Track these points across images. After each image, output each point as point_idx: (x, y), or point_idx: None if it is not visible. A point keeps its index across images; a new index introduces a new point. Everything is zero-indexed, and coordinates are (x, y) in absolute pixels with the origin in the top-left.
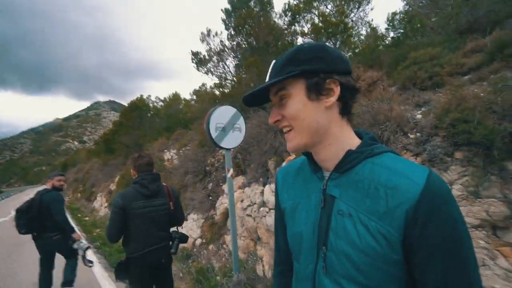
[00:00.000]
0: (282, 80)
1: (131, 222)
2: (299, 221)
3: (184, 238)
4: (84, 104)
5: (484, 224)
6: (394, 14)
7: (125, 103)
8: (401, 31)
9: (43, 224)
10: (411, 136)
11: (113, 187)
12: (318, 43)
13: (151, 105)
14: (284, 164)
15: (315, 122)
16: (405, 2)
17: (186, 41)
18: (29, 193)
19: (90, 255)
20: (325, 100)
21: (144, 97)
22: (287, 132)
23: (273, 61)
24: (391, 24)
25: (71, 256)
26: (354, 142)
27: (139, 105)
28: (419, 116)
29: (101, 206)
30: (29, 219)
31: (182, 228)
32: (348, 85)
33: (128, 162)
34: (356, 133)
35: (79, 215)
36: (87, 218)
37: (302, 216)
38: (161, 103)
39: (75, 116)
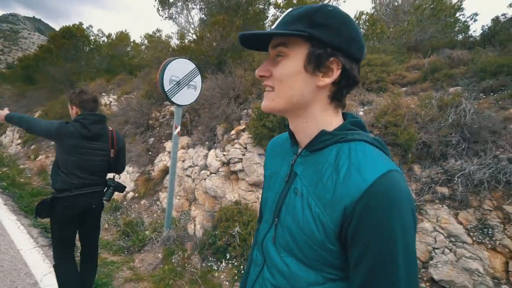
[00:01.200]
0: (283, 35)
1: (64, 155)
2: (269, 187)
3: (120, 187)
4: None
5: None
6: (362, 13)
7: (56, 27)
8: (364, 32)
9: None
10: None
11: None
12: (344, 13)
13: (92, 38)
14: None
15: (300, 96)
16: (373, 4)
17: None
18: None
19: None
20: (320, 77)
21: (84, 26)
22: (267, 91)
23: (289, 9)
24: (357, 21)
25: None
26: (332, 124)
27: (76, 33)
28: (361, 113)
29: (11, 142)
30: None
31: (119, 177)
32: (350, 72)
33: (67, 96)
34: (343, 115)
35: None
36: None
37: (272, 184)
38: (104, 39)
39: None
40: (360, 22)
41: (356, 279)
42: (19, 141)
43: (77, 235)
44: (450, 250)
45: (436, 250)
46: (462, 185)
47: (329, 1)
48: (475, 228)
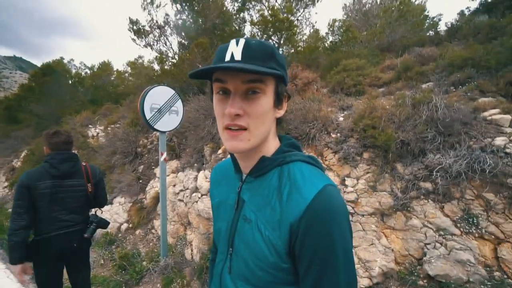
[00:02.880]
0: (272, 75)
1: (37, 203)
2: (220, 217)
3: (103, 223)
4: None
5: (376, 212)
6: (335, 21)
7: (38, 63)
8: (339, 37)
9: None
10: (333, 135)
11: (18, 163)
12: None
13: (74, 71)
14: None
15: (268, 129)
16: (344, 12)
17: (123, 2)
18: None
19: None
20: (277, 111)
21: (65, 60)
22: (236, 131)
23: (242, 40)
24: (331, 29)
25: None
26: (272, 148)
27: (56, 69)
28: (341, 119)
29: None
30: None
31: (101, 212)
32: (288, 100)
33: (42, 138)
34: (278, 137)
35: None
36: None
37: (222, 213)
38: (87, 71)
39: None
40: (334, 29)
41: (306, 284)
42: (5, 183)
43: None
44: (441, 244)
45: (428, 246)
46: (442, 178)
47: (301, 14)
48: (461, 219)
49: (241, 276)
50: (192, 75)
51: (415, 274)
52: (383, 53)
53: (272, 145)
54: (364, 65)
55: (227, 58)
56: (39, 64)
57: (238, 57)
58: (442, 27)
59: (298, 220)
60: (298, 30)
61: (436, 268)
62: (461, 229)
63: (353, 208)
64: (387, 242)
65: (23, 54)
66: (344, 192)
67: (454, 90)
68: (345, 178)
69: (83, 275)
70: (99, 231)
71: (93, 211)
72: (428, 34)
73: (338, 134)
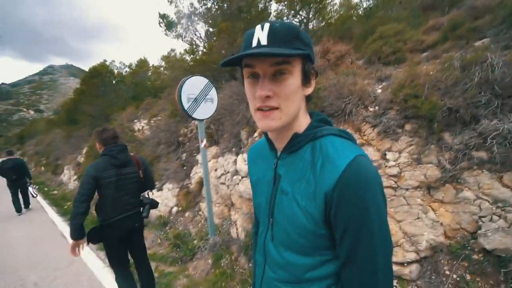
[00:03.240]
0: (299, 55)
1: (104, 191)
2: (259, 193)
3: (154, 203)
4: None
5: (421, 185)
6: None
7: (85, 68)
8: (373, 2)
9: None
10: (371, 109)
11: (81, 159)
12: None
13: (115, 71)
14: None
15: (298, 107)
16: None
17: (152, 1)
18: None
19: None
20: (306, 89)
21: (108, 62)
22: (268, 111)
23: (267, 24)
24: None
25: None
26: (303, 125)
27: (102, 71)
28: (379, 91)
29: (69, 179)
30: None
31: (153, 194)
32: (316, 77)
33: (93, 136)
34: (309, 114)
35: (45, 189)
36: (55, 192)
37: (261, 189)
38: (126, 69)
39: (27, 81)
40: None
41: (342, 253)
42: (75, 177)
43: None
44: (499, 216)
45: (483, 219)
46: (500, 146)
47: None
48: None
49: (283, 243)
50: (223, 64)
51: (469, 248)
52: (427, 13)
53: (303, 122)
54: (404, 29)
55: (254, 43)
56: (87, 69)
57: (264, 41)
58: None
59: (332, 190)
60: (328, 1)
61: (494, 242)
62: None
63: (395, 182)
64: (435, 216)
65: (74, 62)
66: (386, 166)
67: None
68: (386, 152)
69: (142, 251)
70: (154, 215)
71: (145, 194)
72: None
73: (377, 107)
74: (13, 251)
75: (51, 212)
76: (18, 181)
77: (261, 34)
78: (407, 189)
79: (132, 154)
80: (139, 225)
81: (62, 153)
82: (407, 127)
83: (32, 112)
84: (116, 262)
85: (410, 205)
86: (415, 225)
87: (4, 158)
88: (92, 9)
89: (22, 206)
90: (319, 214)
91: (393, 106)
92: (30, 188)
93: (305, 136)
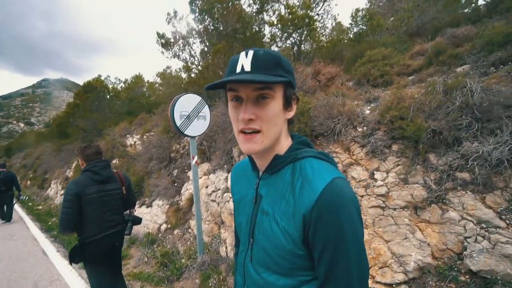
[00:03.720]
0: (280, 82)
1: (86, 208)
2: (241, 212)
3: (137, 220)
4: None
5: (408, 205)
6: (357, 10)
7: (80, 82)
8: (363, 27)
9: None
10: (359, 129)
11: (70, 173)
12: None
13: (110, 86)
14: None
15: (280, 130)
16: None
17: (151, 19)
18: None
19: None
20: (287, 112)
21: (103, 77)
22: (250, 134)
23: (250, 52)
24: (354, 19)
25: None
26: (284, 147)
27: (96, 86)
28: (367, 112)
29: (56, 193)
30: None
31: (135, 210)
32: (297, 102)
33: (76, 152)
34: (290, 136)
35: (29, 203)
36: (40, 207)
37: (242, 208)
38: (121, 85)
39: (19, 94)
40: (357, 19)
41: (320, 273)
42: (62, 191)
43: None
44: (483, 237)
45: (468, 239)
46: (481, 167)
47: (321, 8)
48: (506, 210)
49: (263, 263)
50: (208, 88)
51: (455, 269)
52: (412, 39)
53: (285, 144)
54: (391, 53)
55: (238, 69)
56: (81, 82)
57: (247, 68)
58: (480, 1)
59: (310, 211)
60: (319, 25)
61: (479, 263)
62: (507, 221)
63: (383, 202)
64: (422, 236)
65: (69, 76)
66: (374, 186)
67: (494, 71)
68: (374, 172)
69: (119, 270)
70: (142, 232)
71: (127, 211)
72: (464, 10)
73: (365, 128)
74: None
75: (34, 228)
76: (6, 193)
77: (245, 61)
78: (395, 209)
79: (115, 170)
80: (119, 243)
81: (51, 167)
82: (394, 147)
83: (22, 125)
84: (101, 282)
85: (398, 225)
86: (403, 245)
87: None
88: (92, 24)
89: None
90: (298, 234)
91: (381, 127)
92: (21, 197)
93: (286, 158)
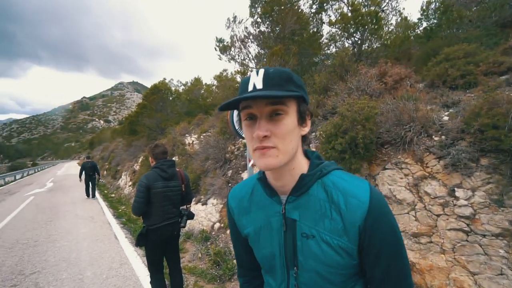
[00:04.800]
0: (292, 96)
1: (153, 199)
2: (265, 243)
3: (191, 215)
4: (110, 83)
5: (505, 233)
6: (429, 2)
7: (148, 84)
8: (435, 21)
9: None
10: (436, 138)
11: (137, 167)
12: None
13: (173, 88)
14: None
15: (296, 147)
16: None
17: (212, 24)
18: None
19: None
20: (302, 128)
21: (167, 80)
22: (266, 149)
23: (261, 70)
24: (424, 13)
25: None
26: (305, 163)
27: (161, 88)
28: (445, 118)
29: (125, 184)
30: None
31: (190, 206)
32: (311, 118)
33: (146, 150)
34: (304, 153)
35: (105, 191)
36: (113, 195)
37: (266, 239)
38: (182, 87)
39: (101, 95)
40: (429, 12)
41: (376, 274)
42: (130, 183)
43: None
44: None
45: None
46: None
47: (386, 3)
48: None
49: (315, 286)
50: (221, 108)
51: None
52: (505, 30)
53: (303, 162)
54: (475, 50)
55: (250, 88)
56: (149, 86)
57: (259, 85)
58: None
59: (364, 221)
60: (383, 22)
61: None
62: None
63: (468, 225)
64: None
65: (139, 79)
66: (455, 205)
67: None
68: (455, 188)
69: (176, 256)
70: (197, 228)
71: (184, 206)
72: None
73: (443, 137)
74: (78, 245)
75: (108, 214)
76: (92, 176)
77: (256, 79)
78: (484, 235)
79: (178, 169)
80: (177, 232)
81: (122, 160)
82: (484, 161)
83: (102, 122)
84: (154, 265)
85: (489, 256)
86: (497, 282)
87: (85, 160)
88: (158, 31)
89: (90, 195)
90: (354, 246)
91: (465, 137)
92: (101, 180)
93: (312, 175)
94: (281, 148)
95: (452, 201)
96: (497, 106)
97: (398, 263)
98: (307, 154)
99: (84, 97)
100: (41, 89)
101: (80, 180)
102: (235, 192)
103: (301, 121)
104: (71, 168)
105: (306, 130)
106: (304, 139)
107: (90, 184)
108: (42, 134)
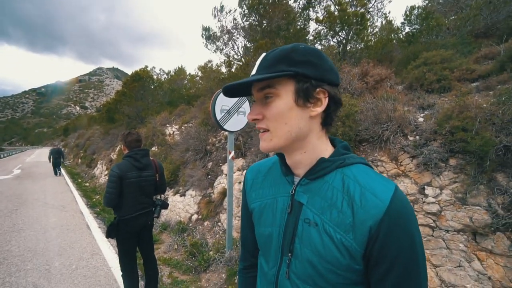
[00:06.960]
0: (272, 78)
1: (125, 190)
2: (266, 222)
3: (165, 204)
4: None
5: (466, 229)
6: (412, 8)
7: (129, 71)
8: (417, 27)
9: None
10: (410, 138)
11: (114, 156)
12: (314, 47)
13: (155, 77)
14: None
15: (297, 129)
16: None
17: (197, 12)
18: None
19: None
20: (311, 108)
21: (149, 68)
22: (262, 132)
23: (263, 54)
24: (408, 18)
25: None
26: (327, 150)
27: (143, 76)
28: (420, 119)
29: (101, 173)
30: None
31: (164, 196)
32: (335, 97)
33: (119, 138)
34: (330, 140)
35: (79, 180)
36: (87, 184)
37: (268, 217)
38: (165, 76)
39: (78, 80)
40: (411, 18)
41: (387, 285)
42: (106, 172)
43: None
44: None
45: None
46: None
47: (372, 5)
48: None
49: (308, 280)
50: (228, 94)
51: None
52: (478, 40)
53: (323, 147)
54: (451, 56)
55: (252, 73)
56: (130, 73)
57: (254, 70)
58: None
59: (378, 223)
60: (368, 23)
61: None
62: None
63: (434, 221)
64: (482, 267)
65: (120, 65)
66: (424, 202)
67: None
68: (425, 186)
69: (150, 247)
70: (174, 220)
71: (157, 196)
72: None
73: (417, 137)
74: (46, 235)
75: (81, 203)
76: (58, 159)
77: (257, 64)
78: (447, 231)
79: (152, 158)
80: (150, 222)
81: (99, 148)
82: (452, 161)
83: (78, 108)
84: (127, 256)
85: (450, 250)
86: (455, 273)
87: (53, 147)
88: (144, 17)
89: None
90: (359, 248)
91: (437, 138)
92: (65, 163)
93: (333, 162)
94: (273, 131)
95: (422, 199)
96: (467, 110)
97: (413, 282)
98: (333, 142)
99: (58, 80)
100: (9, 69)
101: (50, 161)
102: (255, 166)
103: (304, 100)
104: (42, 155)
105: (317, 110)
106: (326, 120)
107: (57, 167)
108: (10, 118)
